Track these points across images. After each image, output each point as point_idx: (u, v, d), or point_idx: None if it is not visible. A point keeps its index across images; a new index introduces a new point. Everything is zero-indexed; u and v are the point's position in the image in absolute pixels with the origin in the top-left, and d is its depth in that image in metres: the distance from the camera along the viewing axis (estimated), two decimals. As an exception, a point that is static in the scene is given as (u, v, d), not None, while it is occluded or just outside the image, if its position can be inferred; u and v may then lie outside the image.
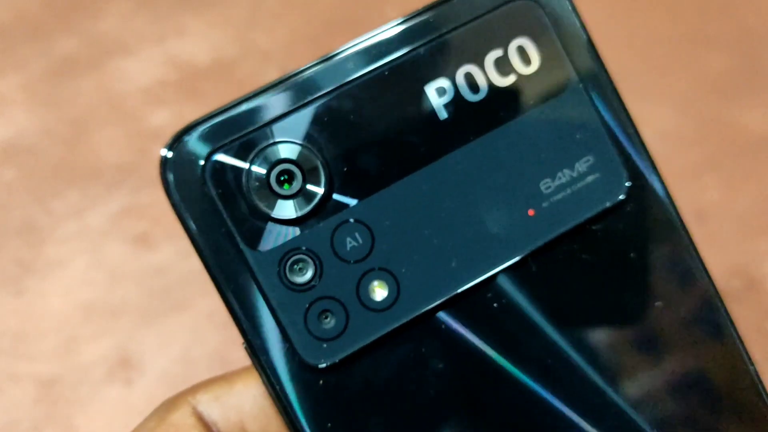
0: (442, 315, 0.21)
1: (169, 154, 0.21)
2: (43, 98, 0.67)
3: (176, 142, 0.21)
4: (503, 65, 0.21)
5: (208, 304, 0.55)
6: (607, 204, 0.22)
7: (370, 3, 0.70)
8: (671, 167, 0.64)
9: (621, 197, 0.22)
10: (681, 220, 0.22)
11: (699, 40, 0.64)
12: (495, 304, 0.22)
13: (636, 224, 0.22)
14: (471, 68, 0.21)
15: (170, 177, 0.21)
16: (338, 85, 0.21)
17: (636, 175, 0.22)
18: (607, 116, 0.22)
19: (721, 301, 0.23)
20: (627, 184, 0.22)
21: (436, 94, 0.21)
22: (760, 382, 0.22)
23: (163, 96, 0.66)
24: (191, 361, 0.52)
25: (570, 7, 0.22)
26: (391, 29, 0.21)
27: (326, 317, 0.21)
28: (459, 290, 0.21)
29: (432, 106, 0.21)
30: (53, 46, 0.69)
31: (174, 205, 0.21)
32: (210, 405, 0.23)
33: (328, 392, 0.21)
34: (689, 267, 0.22)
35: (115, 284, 0.57)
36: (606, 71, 0.22)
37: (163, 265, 0.58)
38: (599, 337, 0.22)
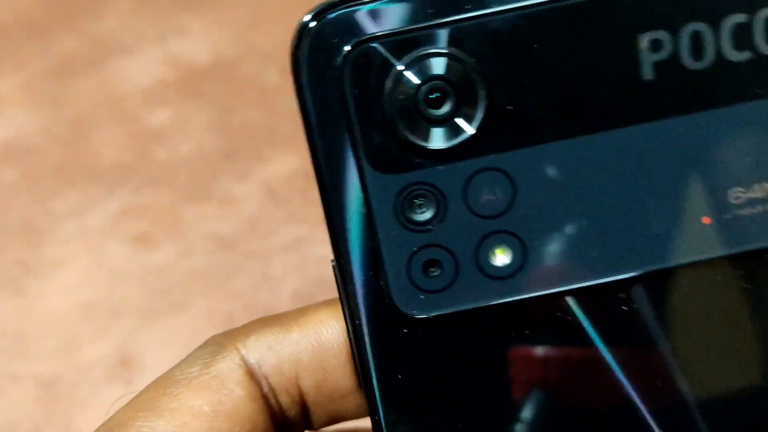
0: (561, 304, 0.19)
1: (311, 24, 0.17)
2: (43, 98, 0.67)
3: (322, 14, 0.17)
4: (742, 35, 0.17)
5: (208, 304, 0.55)
6: None
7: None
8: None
9: None
10: None
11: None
12: (624, 308, 0.18)
13: None
14: (702, 28, 0.17)
15: (303, 55, 0.17)
16: (534, 2, 0.17)
17: None
18: None
19: None
20: None
21: (649, 47, 0.17)
22: None
23: (163, 96, 0.66)
24: (191, 361, 0.52)
25: None
26: None
27: (433, 267, 0.18)
28: (590, 283, 0.18)
29: (639, 61, 0.17)
30: (53, 46, 0.69)
31: (298, 90, 0.18)
32: (263, 355, 0.20)
33: (409, 343, 0.19)
34: None
35: (115, 284, 0.57)
36: None
37: (163, 265, 0.57)
38: (723, 377, 0.19)
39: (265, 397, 0.20)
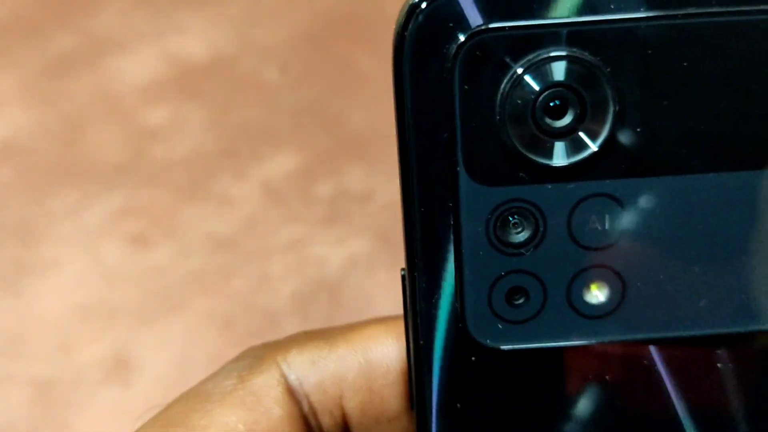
0: (650, 351, 0.17)
1: (423, 4, 0.15)
2: (40, 97, 0.67)
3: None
4: None
5: (206, 305, 0.55)
6: None
7: None
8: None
9: None
10: None
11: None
12: (719, 365, 0.16)
13: None
14: None
15: (410, 38, 0.15)
16: (694, 12, 0.14)
17: None
18: None
19: None
20: None
21: None
22: None
23: (160, 94, 0.66)
24: (189, 363, 0.52)
25: None
26: None
27: (518, 296, 0.16)
28: (687, 334, 0.16)
29: None
30: (50, 44, 0.69)
31: (398, 76, 0.15)
32: (305, 370, 0.18)
33: (477, 373, 0.17)
34: None
35: (112, 285, 0.57)
36: None
37: (160, 265, 0.57)
38: None
39: (304, 418, 0.19)
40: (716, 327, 0.16)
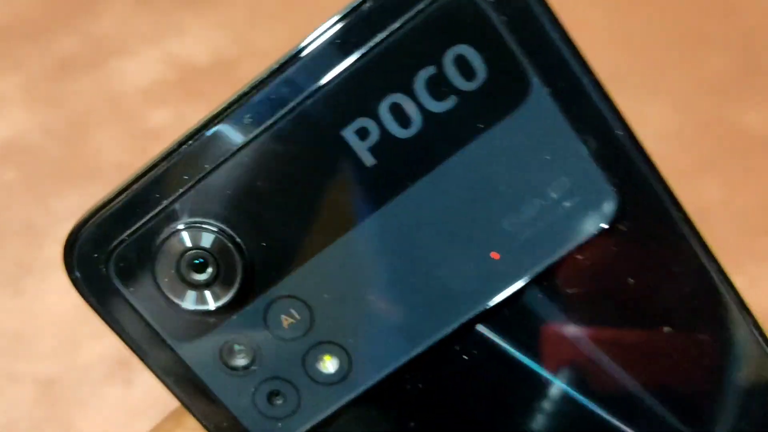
0: (404, 379, 0.19)
1: (70, 256, 0.20)
2: (43, 98, 0.67)
3: (73, 239, 0.20)
4: (438, 85, 0.17)
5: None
6: (595, 229, 0.18)
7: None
8: (671, 167, 0.63)
9: (610, 217, 0.18)
10: (693, 231, 0.19)
11: (698, 39, 0.64)
12: (464, 358, 0.19)
13: (635, 244, 0.18)
14: (397, 97, 0.17)
15: (76, 276, 0.20)
16: (238, 146, 0.18)
17: (632, 187, 0.18)
18: (586, 121, 0.17)
19: (750, 320, 0.20)
20: (615, 201, 0.18)
21: (357, 137, 0.18)
22: None
23: (163, 96, 0.66)
24: (191, 361, 0.52)
25: None
26: (290, 62, 0.18)
27: (276, 397, 0.20)
28: (416, 352, 0.19)
29: (355, 154, 0.18)
30: (53, 45, 0.69)
31: (89, 304, 0.20)
32: None
33: None
34: (706, 286, 0.19)
35: (114, 284, 0.57)
36: (584, 65, 0.17)
37: (162, 265, 0.57)
38: (598, 383, 0.19)
39: None
40: (435, 335, 0.19)
